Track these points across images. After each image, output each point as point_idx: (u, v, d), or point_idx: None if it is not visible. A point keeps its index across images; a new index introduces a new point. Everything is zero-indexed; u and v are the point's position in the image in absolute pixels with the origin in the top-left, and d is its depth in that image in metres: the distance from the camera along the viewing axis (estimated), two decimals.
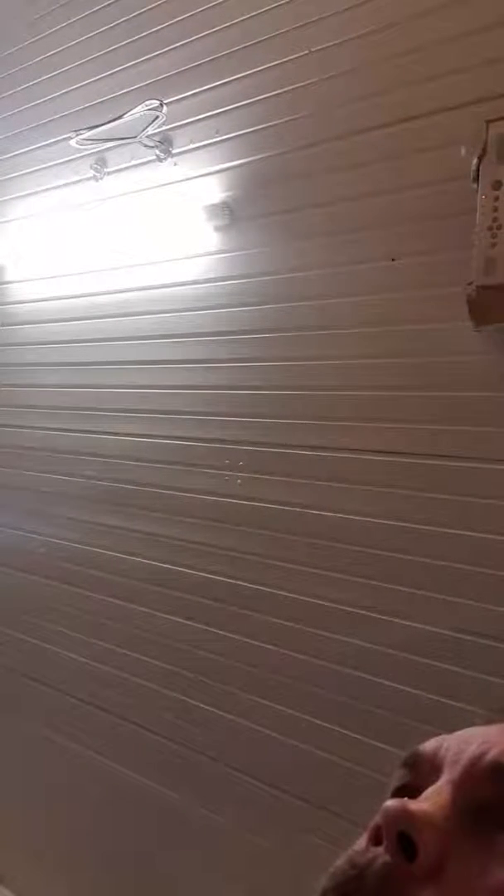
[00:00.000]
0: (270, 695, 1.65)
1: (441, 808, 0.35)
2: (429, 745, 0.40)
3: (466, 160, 1.26)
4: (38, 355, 2.19)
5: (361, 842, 0.36)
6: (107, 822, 2.06)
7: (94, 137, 1.86)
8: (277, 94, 1.57)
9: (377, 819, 0.35)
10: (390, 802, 0.34)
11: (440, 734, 0.40)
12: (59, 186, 2.08)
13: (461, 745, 0.38)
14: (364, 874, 0.34)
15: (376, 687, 1.47)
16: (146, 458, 1.90)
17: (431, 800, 0.35)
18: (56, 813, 2.23)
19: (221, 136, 1.68)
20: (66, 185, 2.06)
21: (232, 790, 1.74)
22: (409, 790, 0.38)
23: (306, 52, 1.51)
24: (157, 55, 1.78)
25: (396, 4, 1.38)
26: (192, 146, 1.74)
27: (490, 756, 0.36)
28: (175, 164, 1.78)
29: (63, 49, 2.01)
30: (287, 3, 1.53)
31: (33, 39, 2.09)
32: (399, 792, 0.38)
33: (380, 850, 0.34)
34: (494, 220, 1.22)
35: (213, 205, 1.68)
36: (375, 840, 0.35)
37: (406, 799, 0.35)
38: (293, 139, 1.56)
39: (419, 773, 0.39)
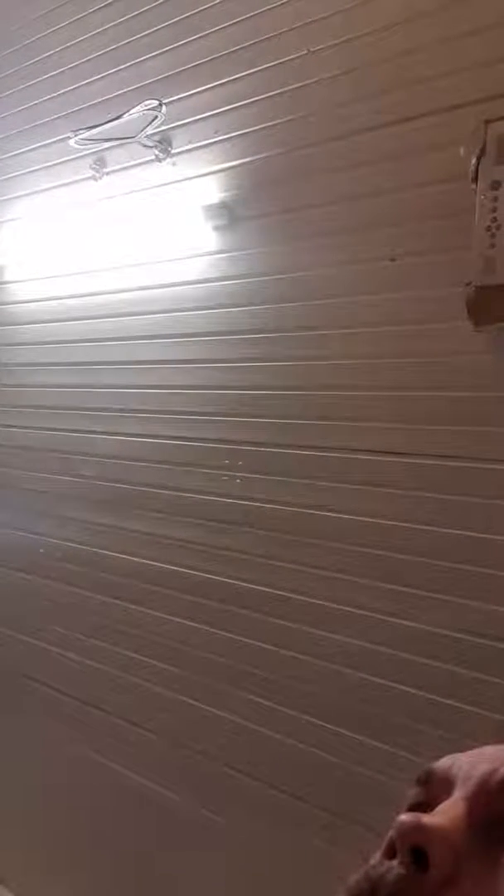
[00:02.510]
0: (270, 695, 1.66)
1: (454, 823, 0.35)
2: (442, 763, 0.41)
3: (465, 160, 1.26)
4: (38, 355, 2.19)
5: (377, 856, 0.37)
6: (107, 822, 2.07)
7: (93, 137, 1.86)
8: (277, 93, 1.57)
9: (391, 833, 0.36)
10: (404, 816, 0.35)
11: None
12: (58, 186, 2.07)
13: (474, 762, 0.38)
14: (377, 887, 0.35)
15: (376, 687, 1.47)
16: (146, 458, 1.90)
17: (444, 814, 0.36)
18: (56, 813, 2.23)
19: (220, 135, 1.68)
20: (65, 184, 2.05)
21: (232, 790, 1.74)
22: (423, 807, 0.38)
23: (306, 51, 1.51)
24: (156, 55, 1.78)
25: (396, 4, 1.38)
26: (191, 146, 1.74)
27: (502, 772, 0.37)
28: (174, 164, 1.78)
29: (62, 49, 2.00)
30: (287, 2, 1.53)
31: (32, 39, 2.09)
32: (413, 809, 0.39)
33: (393, 863, 0.35)
34: (493, 220, 1.22)
35: (212, 205, 1.68)
36: (390, 854, 0.36)
37: (419, 813, 0.36)
38: (292, 139, 1.56)
39: (432, 790, 0.40)
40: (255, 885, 1.72)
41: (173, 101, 1.75)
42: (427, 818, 0.35)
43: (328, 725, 1.55)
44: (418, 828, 0.34)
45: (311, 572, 1.57)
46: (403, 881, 0.34)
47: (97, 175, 1.93)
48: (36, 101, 2.10)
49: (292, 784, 1.63)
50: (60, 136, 1.99)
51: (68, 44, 1.98)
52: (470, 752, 0.40)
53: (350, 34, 1.44)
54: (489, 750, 0.39)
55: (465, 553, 1.35)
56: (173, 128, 1.77)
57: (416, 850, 0.34)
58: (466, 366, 1.35)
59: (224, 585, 1.73)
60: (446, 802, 0.37)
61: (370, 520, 1.48)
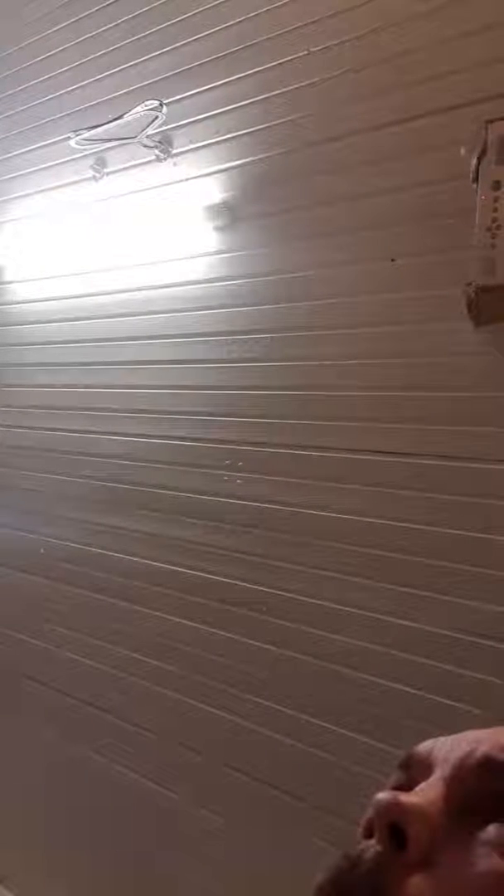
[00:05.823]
0: (270, 695, 1.65)
1: (431, 802, 0.36)
2: (423, 747, 0.41)
3: (466, 160, 1.26)
4: (38, 355, 2.19)
5: (356, 838, 0.37)
6: (107, 822, 2.06)
7: (94, 137, 1.86)
8: (277, 94, 1.57)
9: (369, 813, 0.36)
10: (381, 795, 0.36)
11: (440, 734, 0.41)
12: (58, 187, 2.08)
13: (453, 744, 0.39)
14: (356, 865, 0.35)
15: (376, 687, 1.47)
16: (146, 458, 1.90)
17: (422, 794, 0.37)
18: (56, 813, 2.23)
19: (221, 136, 1.68)
20: (65, 185, 2.05)
21: (232, 790, 1.74)
22: (404, 790, 0.39)
23: (306, 52, 1.51)
24: (157, 55, 1.78)
25: (396, 4, 1.38)
26: (191, 146, 1.74)
27: (480, 751, 0.37)
28: (175, 165, 1.78)
29: (63, 49, 2.01)
30: (287, 3, 1.53)
31: (33, 39, 2.09)
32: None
33: (372, 842, 0.35)
34: (494, 220, 1.22)
35: (213, 205, 1.68)
36: (368, 833, 0.36)
37: (397, 792, 0.36)
38: (293, 139, 1.56)
39: (414, 774, 0.40)
40: (255, 885, 1.71)
41: (174, 101, 1.75)
42: (404, 796, 0.36)
43: (328, 725, 1.55)
44: (395, 805, 0.35)
45: (311, 572, 1.57)
46: (381, 858, 0.34)
47: (98, 175, 1.93)
48: (37, 102, 2.10)
49: (292, 784, 1.63)
50: (61, 137, 1.99)
51: (69, 44, 1.99)
52: (451, 736, 0.40)
53: (350, 34, 1.45)
54: (470, 733, 0.39)
55: (464, 553, 1.36)
56: (174, 128, 1.77)
57: (394, 829, 0.34)
58: (466, 366, 1.35)
59: (224, 585, 1.73)
60: (425, 783, 0.38)
61: (370, 520, 1.48)
